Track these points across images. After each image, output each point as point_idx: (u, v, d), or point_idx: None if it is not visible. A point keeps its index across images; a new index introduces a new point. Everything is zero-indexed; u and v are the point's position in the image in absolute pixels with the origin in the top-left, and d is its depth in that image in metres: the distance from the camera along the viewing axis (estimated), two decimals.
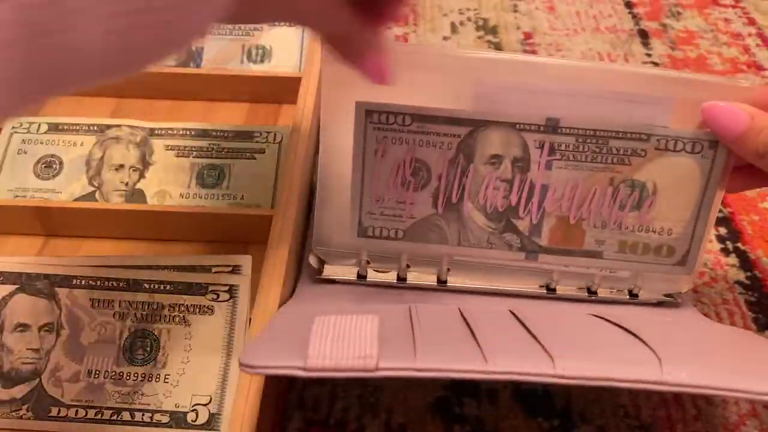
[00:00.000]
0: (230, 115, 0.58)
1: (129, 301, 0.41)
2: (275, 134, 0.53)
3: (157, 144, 0.53)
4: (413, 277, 0.43)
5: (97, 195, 0.50)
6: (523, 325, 0.34)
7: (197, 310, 0.41)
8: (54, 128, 0.53)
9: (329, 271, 0.43)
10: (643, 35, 0.74)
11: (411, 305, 0.37)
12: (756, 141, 0.35)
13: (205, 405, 0.39)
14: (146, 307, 0.41)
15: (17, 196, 0.50)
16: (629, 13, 0.78)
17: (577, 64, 0.39)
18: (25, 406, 0.39)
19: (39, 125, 0.53)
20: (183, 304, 0.41)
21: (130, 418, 0.39)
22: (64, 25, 0.21)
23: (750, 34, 0.74)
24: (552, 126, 0.38)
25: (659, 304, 0.43)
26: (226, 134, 0.54)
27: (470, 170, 0.39)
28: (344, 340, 0.29)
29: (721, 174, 0.39)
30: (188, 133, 0.53)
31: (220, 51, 0.61)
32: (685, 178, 0.39)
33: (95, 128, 0.53)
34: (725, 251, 0.52)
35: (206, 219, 0.47)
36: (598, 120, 0.38)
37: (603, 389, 0.42)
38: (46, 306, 0.41)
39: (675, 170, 0.39)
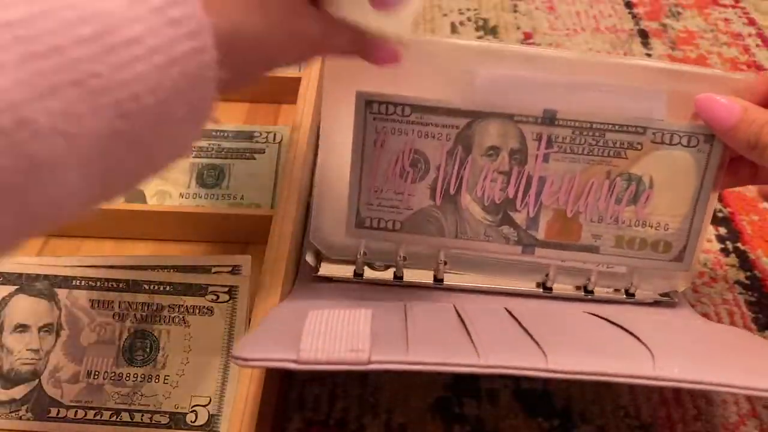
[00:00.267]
0: (230, 115, 0.58)
1: (129, 302, 0.41)
2: (275, 134, 0.53)
3: None
4: (410, 275, 0.43)
5: None
6: (518, 321, 0.34)
7: (197, 311, 0.41)
8: None
9: (326, 269, 0.43)
10: (643, 35, 0.74)
11: (406, 302, 0.37)
12: (747, 132, 0.36)
13: (204, 406, 0.39)
14: (146, 307, 0.41)
15: None
16: (629, 13, 0.78)
17: (574, 56, 0.39)
18: (25, 407, 0.39)
19: None
20: (183, 305, 0.41)
21: (129, 419, 0.39)
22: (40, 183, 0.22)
23: (750, 34, 0.74)
24: (549, 118, 0.38)
25: (655, 303, 0.43)
26: (225, 134, 0.54)
27: (468, 162, 0.39)
28: (337, 333, 0.29)
29: (717, 169, 0.39)
30: None
31: None
32: (681, 172, 0.39)
33: None
34: (725, 251, 0.52)
35: (206, 219, 0.47)
36: (594, 112, 0.38)
37: (602, 388, 0.42)
38: (46, 307, 0.41)
39: (671, 164, 0.39)
